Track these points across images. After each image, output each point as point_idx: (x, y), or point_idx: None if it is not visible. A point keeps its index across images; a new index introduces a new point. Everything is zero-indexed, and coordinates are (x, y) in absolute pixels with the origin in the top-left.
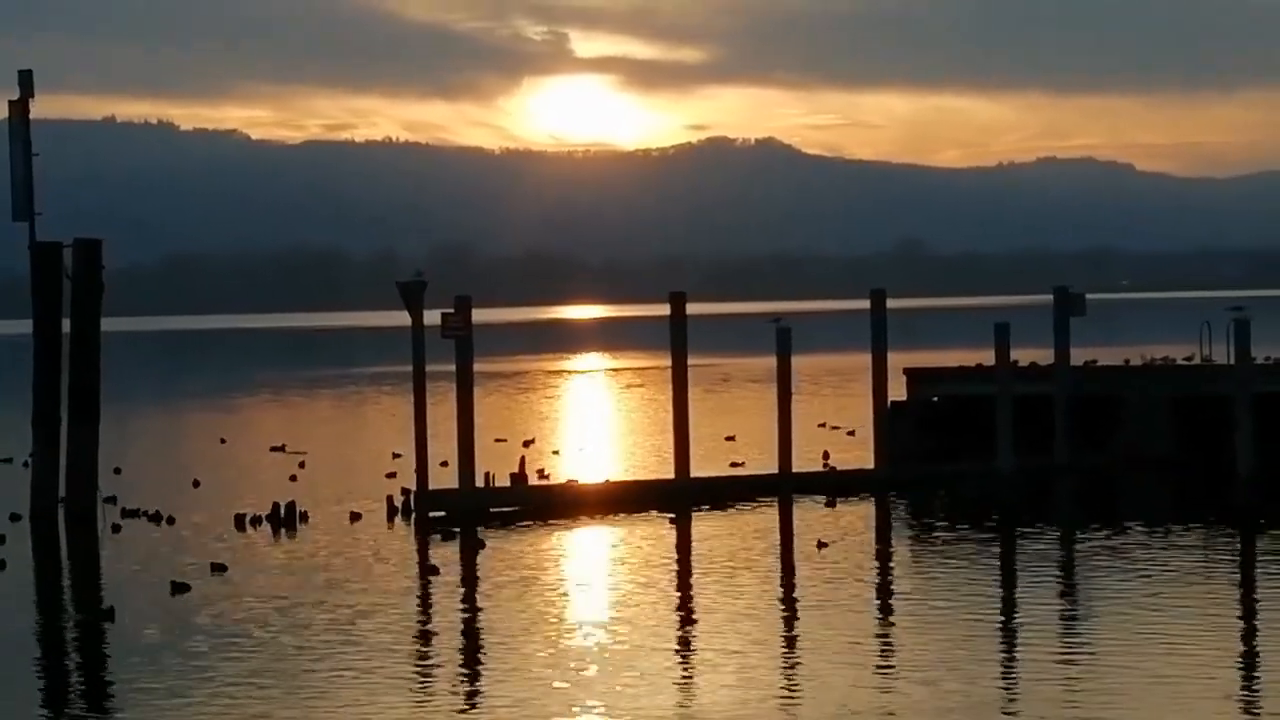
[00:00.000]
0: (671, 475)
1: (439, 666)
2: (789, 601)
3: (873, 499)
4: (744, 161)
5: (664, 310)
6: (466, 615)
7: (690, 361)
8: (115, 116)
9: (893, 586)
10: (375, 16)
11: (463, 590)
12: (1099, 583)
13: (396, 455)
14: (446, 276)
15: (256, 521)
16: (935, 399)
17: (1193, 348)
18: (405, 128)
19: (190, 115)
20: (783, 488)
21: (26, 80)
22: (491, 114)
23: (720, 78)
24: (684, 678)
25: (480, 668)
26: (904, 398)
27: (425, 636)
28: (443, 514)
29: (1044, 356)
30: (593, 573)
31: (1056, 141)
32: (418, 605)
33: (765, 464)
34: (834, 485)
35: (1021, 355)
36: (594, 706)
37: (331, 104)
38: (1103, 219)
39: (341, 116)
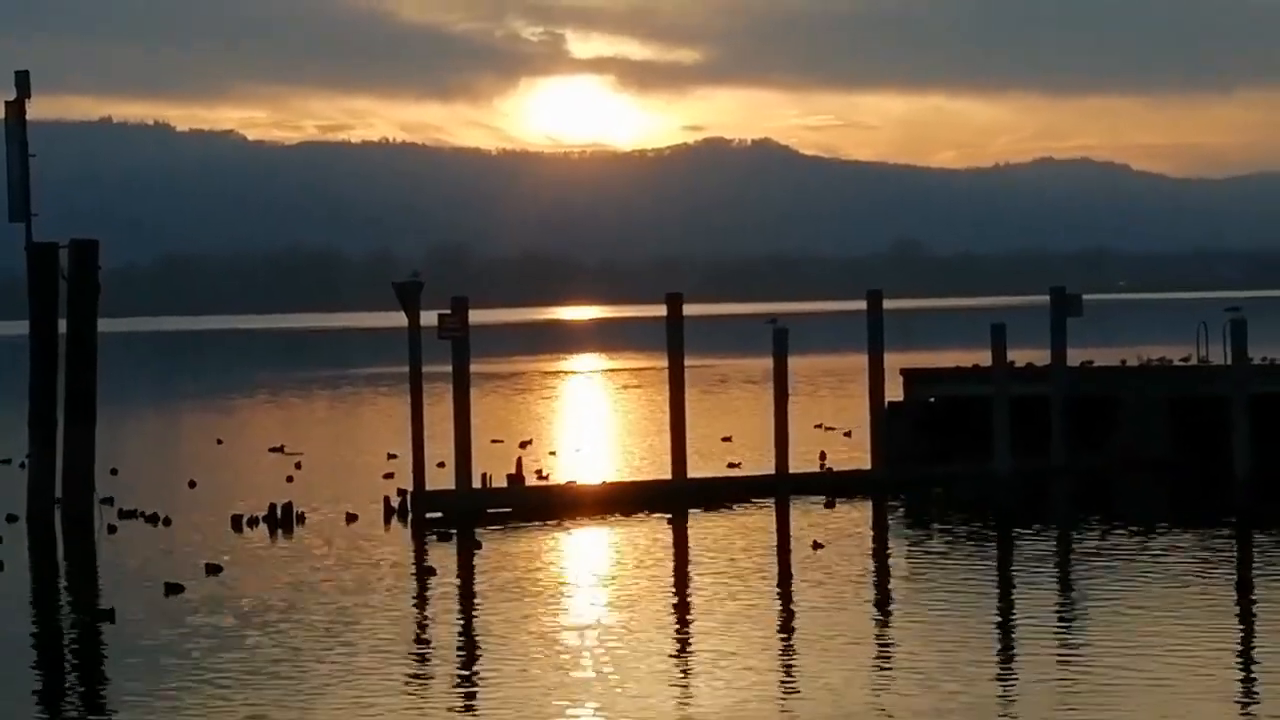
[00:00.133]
0: (668, 476)
1: (435, 668)
2: (786, 602)
3: (869, 500)
4: (740, 162)
5: (661, 311)
6: (463, 616)
7: (687, 362)
8: (111, 117)
9: (889, 587)
10: (372, 17)
11: (459, 591)
12: (1095, 584)
13: (392, 456)
14: (443, 277)
15: (253, 522)
16: (932, 400)
17: (1189, 349)
18: (402, 128)
19: (187, 116)
20: (779, 489)
21: (23, 81)
22: (488, 115)
23: (717, 78)
24: (681, 679)
25: (476, 669)
26: (901, 399)
27: (421, 638)
28: (439, 515)
29: (1040, 357)
30: (589, 574)
31: (1053, 142)
32: (414, 606)
33: (762, 465)
34: (831, 486)
35: (1018, 356)
36: (591, 708)
37: (328, 105)
38: (1099, 220)
39: (338, 117)
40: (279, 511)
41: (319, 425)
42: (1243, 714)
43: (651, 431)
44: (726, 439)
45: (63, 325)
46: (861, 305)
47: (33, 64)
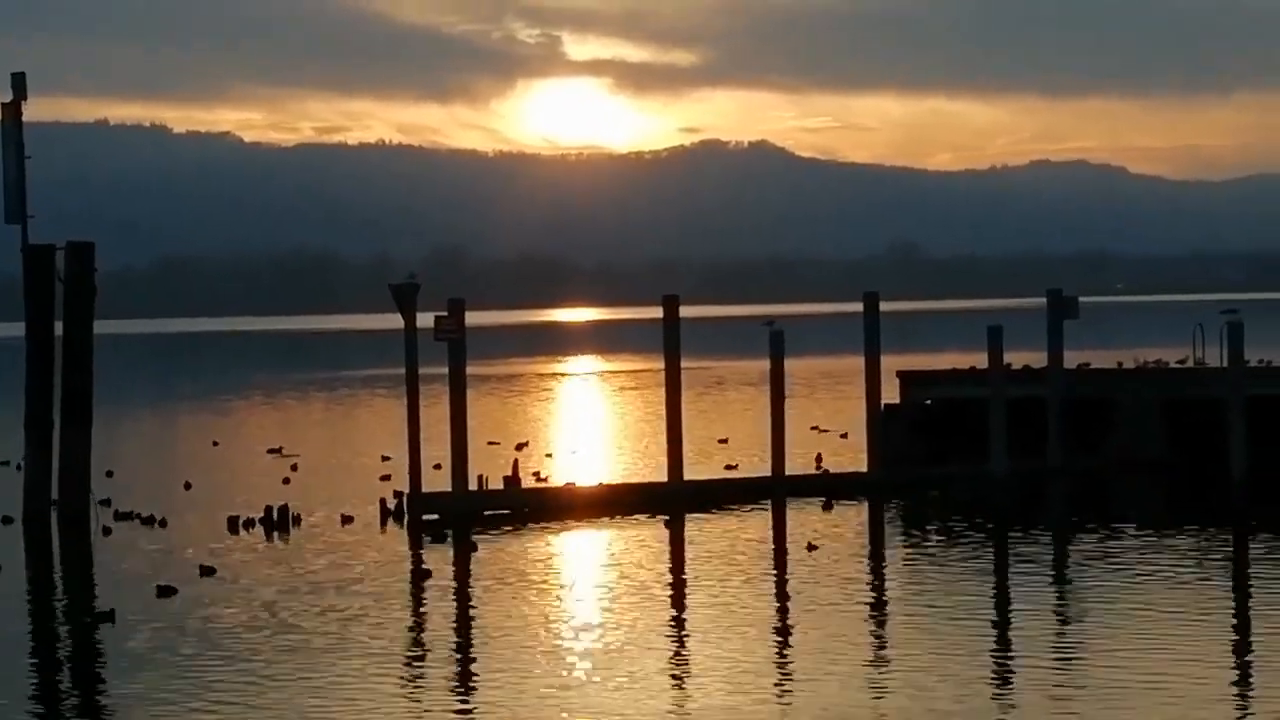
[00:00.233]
0: (664, 478)
1: (431, 670)
2: (782, 605)
3: (866, 502)
4: (737, 164)
5: (657, 313)
6: (459, 618)
7: (683, 364)
8: (108, 119)
9: (886, 589)
10: (368, 19)
11: (455, 593)
12: (1091, 585)
13: (386, 458)
14: (439, 279)
15: (249, 524)
16: (928, 402)
17: (1186, 351)
18: (399, 130)
19: (183, 118)
20: (776, 491)
21: (19, 82)
22: (485, 117)
23: (713, 80)
24: (676, 681)
25: (473, 671)
26: (897, 400)
27: (417, 640)
28: (436, 517)
29: (1037, 359)
30: (585, 576)
31: (1050, 144)
32: (410, 608)
33: (758, 467)
34: (827, 488)
35: (1014, 358)
36: (587, 709)
37: (325, 107)
38: (1097, 222)
39: (335, 119)
40: (275, 513)
41: (315, 427)
42: (1240, 715)
43: (648, 433)
44: (723, 441)
45: (59, 327)
46: (858, 307)
47: (29, 64)
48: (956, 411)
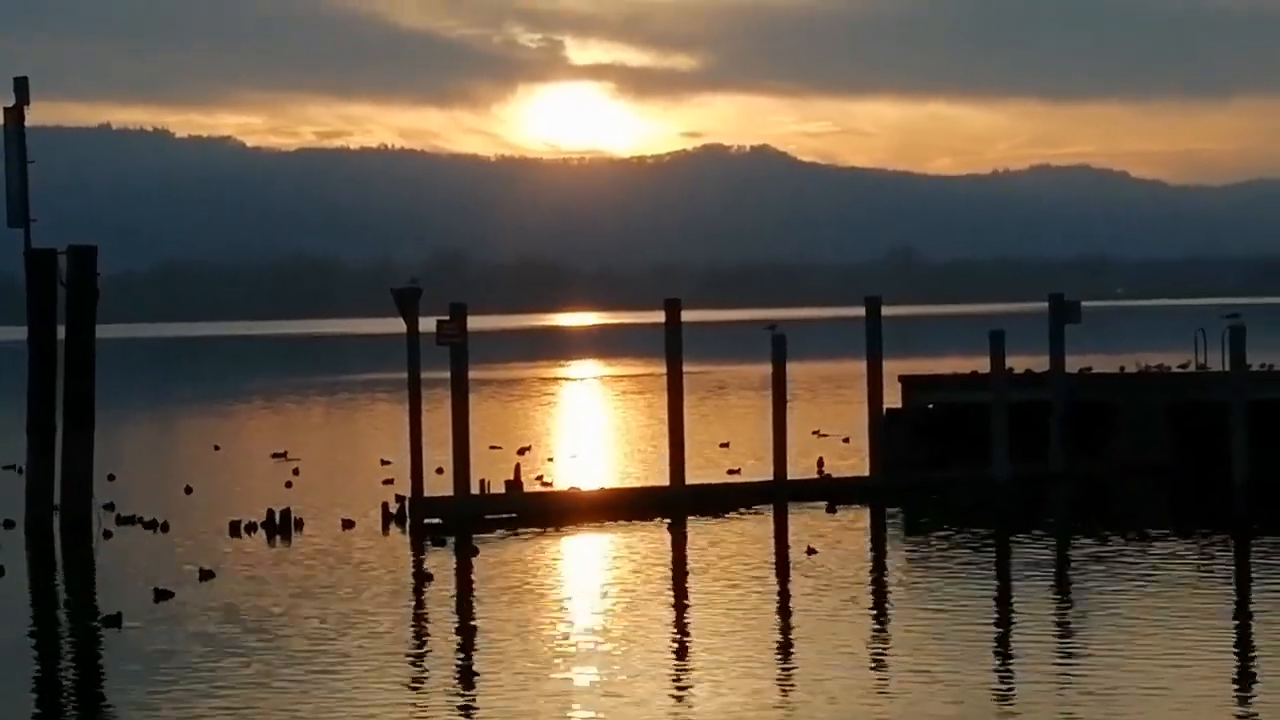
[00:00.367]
0: (666, 482)
1: (433, 673)
2: (784, 609)
3: (868, 506)
4: (738, 169)
5: (659, 317)
6: (460, 622)
7: (685, 369)
8: (110, 123)
9: (887, 594)
10: (369, 24)
11: (457, 597)
12: (1093, 589)
13: (385, 462)
14: (441, 283)
15: (251, 528)
16: (930, 406)
17: (1187, 355)
18: (400, 135)
19: (184, 122)
20: (778, 495)
21: (22, 87)
22: (486, 121)
23: (714, 85)
24: (678, 685)
25: (474, 675)
26: (899, 405)
27: (419, 643)
28: (438, 521)
29: (1039, 364)
30: (587, 580)
31: (1050, 149)
32: (411, 612)
33: (760, 471)
34: (829, 492)
35: (1016, 362)
36: (589, 713)
37: (326, 111)
38: (1097, 227)
39: (336, 124)
40: (277, 517)
41: (318, 431)
42: None
43: (650, 438)
44: (725, 445)
45: (61, 331)
46: (860, 312)
47: (31, 68)
48: (958, 416)
